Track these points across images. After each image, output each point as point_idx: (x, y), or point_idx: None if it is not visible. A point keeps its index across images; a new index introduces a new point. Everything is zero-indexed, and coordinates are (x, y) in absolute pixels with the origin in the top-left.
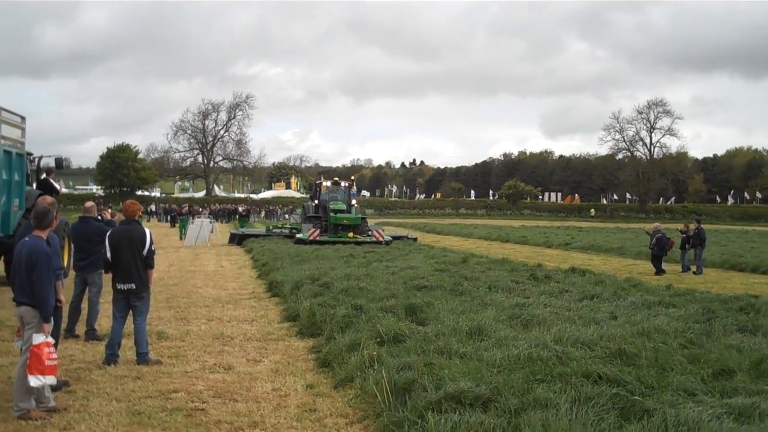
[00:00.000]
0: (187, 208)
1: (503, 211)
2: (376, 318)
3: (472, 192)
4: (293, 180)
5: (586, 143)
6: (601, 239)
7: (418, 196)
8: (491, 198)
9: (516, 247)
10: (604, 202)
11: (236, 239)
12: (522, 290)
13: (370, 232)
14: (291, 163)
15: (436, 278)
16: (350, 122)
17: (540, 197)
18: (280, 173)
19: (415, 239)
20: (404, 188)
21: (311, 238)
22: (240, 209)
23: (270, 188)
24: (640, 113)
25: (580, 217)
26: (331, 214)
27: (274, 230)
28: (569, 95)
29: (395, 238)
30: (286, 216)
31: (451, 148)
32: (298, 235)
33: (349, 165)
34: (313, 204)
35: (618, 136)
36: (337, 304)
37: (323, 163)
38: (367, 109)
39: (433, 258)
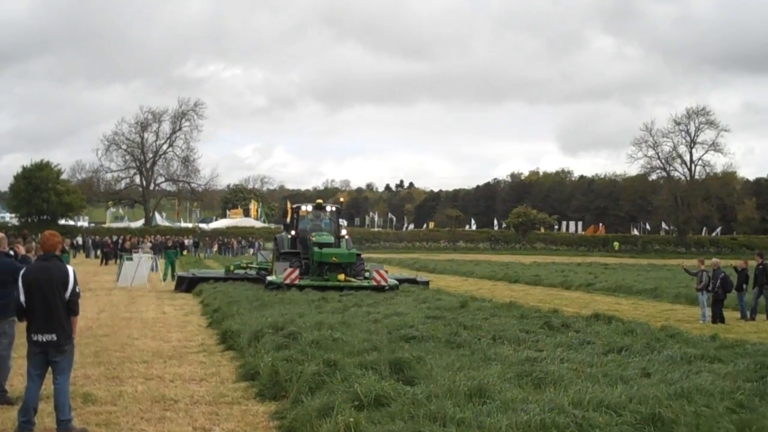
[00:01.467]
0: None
1: (511, 245)
2: (354, 376)
3: (473, 221)
4: (253, 206)
5: (612, 161)
6: (631, 279)
7: (406, 225)
8: (496, 228)
9: (527, 288)
10: (635, 233)
11: (184, 284)
12: (534, 342)
13: (367, 274)
14: (250, 186)
15: (429, 327)
16: (323, 135)
17: (556, 227)
18: (236, 198)
19: (427, 283)
20: (389, 216)
21: (288, 281)
22: (187, 242)
23: (224, 216)
24: (678, 124)
25: (605, 251)
26: (315, 249)
27: (237, 272)
28: (592, 103)
29: (402, 281)
30: (251, 251)
31: (447, 166)
32: (269, 278)
33: (322, 188)
34: (289, 236)
35: (651, 153)
36: (306, 359)
37: (290, 185)
38: (345, 119)
39: (425, 302)
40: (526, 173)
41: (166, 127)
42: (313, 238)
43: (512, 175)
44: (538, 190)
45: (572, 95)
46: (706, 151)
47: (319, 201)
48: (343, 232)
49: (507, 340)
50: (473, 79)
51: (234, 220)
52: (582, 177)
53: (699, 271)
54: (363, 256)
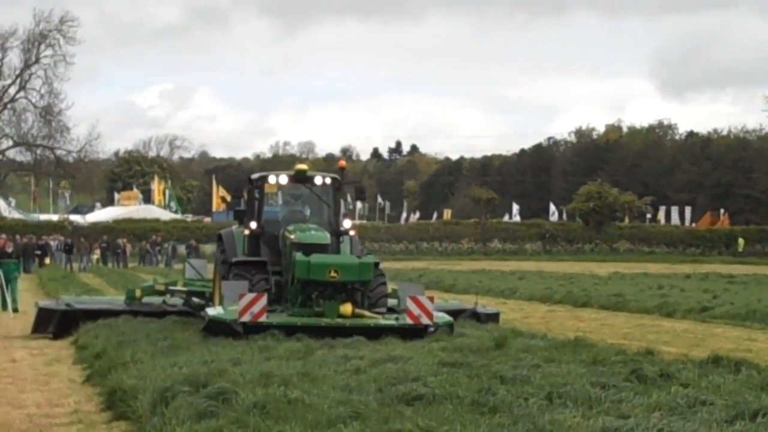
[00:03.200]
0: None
1: (577, 245)
2: None
3: (515, 207)
4: (156, 186)
5: (742, 108)
6: None
7: (406, 215)
8: (554, 219)
9: (603, 316)
10: None
11: (52, 323)
12: (615, 403)
13: (394, 302)
14: (153, 153)
15: (444, 380)
16: (274, 71)
17: (650, 216)
18: (130, 173)
19: (496, 316)
20: (378, 201)
21: (247, 318)
22: (53, 243)
23: (111, 202)
24: None
25: (730, 254)
26: (298, 255)
27: (148, 300)
28: (709, 12)
29: (454, 313)
30: (159, 261)
31: (473, 119)
32: (211, 312)
33: (269, 155)
34: (247, 232)
35: None
36: None
37: (218, 152)
38: (308, 43)
39: (438, 340)
40: (601, 129)
41: (13, 59)
42: (292, 236)
43: (579, 133)
44: (622, 156)
45: (676, 1)
46: None
47: (302, 167)
48: (347, 224)
49: (571, 400)
50: None
51: (127, 208)
52: (693, 134)
53: None
54: None
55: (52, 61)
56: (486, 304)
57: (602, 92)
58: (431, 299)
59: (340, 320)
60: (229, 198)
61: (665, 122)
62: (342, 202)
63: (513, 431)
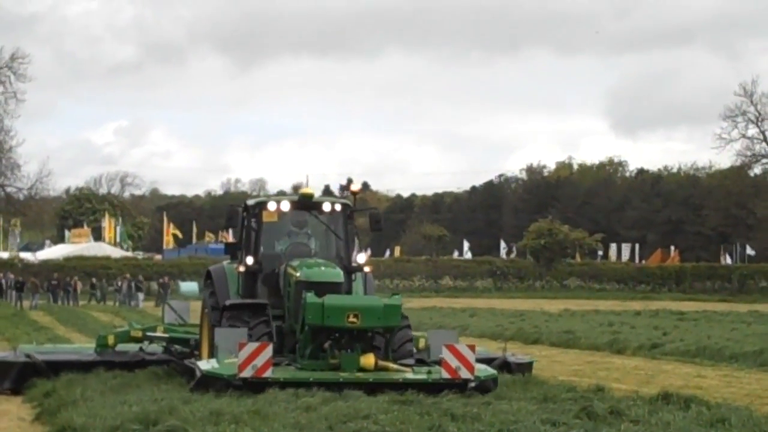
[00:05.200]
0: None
1: (528, 282)
2: None
3: (466, 244)
4: (107, 223)
5: (692, 146)
6: (722, 336)
7: (356, 252)
8: (504, 256)
9: (553, 353)
10: (728, 261)
11: (10, 378)
12: None
13: (421, 352)
14: (103, 190)
15: (395, 417)
16: (229, 108)
17: (601, 254)
18: (80, 211)
19: (531, 364)
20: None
21: (248, 374)
22: (4, 280)
23: (62, 240)
24: None
25: (680, 292)
26: (308, 296)
27: (121, 348)
28: (661, 51)
29: (481, 362)
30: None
31: (426, 157)
32: (204, 366)
33: (221, 192)
34: (241, 269)
35: (753, 131)
36: None
37: (172, 189)
38: (263, 81)
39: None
40: (552, 166)
41: None
42: (297, 273)
43: (530, 170)
44: (573, 193)
45: (630, 40)
46: None
47: (308, 191)
48: (360, 259)
49: None
50: (471, 16)
51: (77, 245)
52: (643, 171)
53: None
54: None
55: (2, 98)
56: (515, 352)
57: (556, 130)
58: (472, 348)
59: (361, 374)
60: (180, 235)
61: (615, 159)
62: (353, 229)
63: None
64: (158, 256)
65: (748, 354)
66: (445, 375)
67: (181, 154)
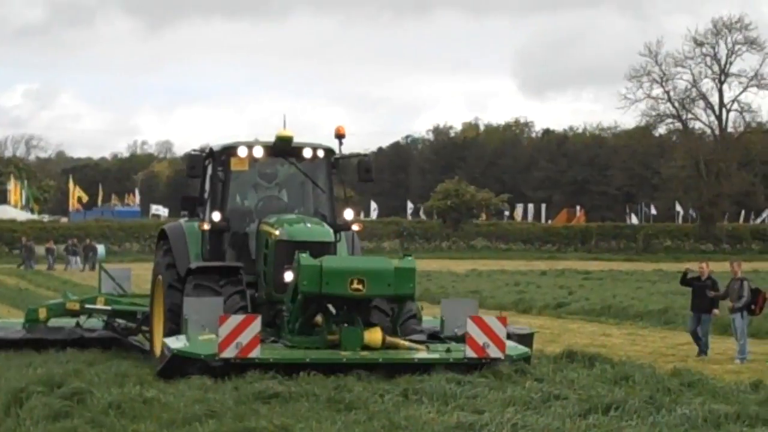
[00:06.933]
0: None
1: (434, 242)
2: None
3: (373, 205)
4: (12, 186)
5: (599, 106)
6: (627, 295)
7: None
8: (410, 217)
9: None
10: (633, 221)
11: None
12: (470, 398)
13: (440, 324)
14: (9, 153)
15: (300, 378)
16: (139, 70)
17: (507, 214)
18: None
19: (531, 336)
20: None
21: (231, 353)
22: None
23: None
24: (701, 45)
25: (586, 251)
26: (302, 258)
27: (55, 324)
28: (571, 13)
29: (517, 337)
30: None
31: (337, 117)
32: (173, 345)
33: (127, 154)
34: (206, 226)
35: (658, 91)
36: None
37: (80, 152)
38: (173, 43)
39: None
40: (459, 127)
41: None
42: (276, 232)
43: (438, 131)
44: (480, 154)
45: (539, 1)
46: (745, 88)
47: (286, 133)
48: (348, 215)
49: (427, 396)
50: None
51: None
52: (549, 132)
53: (734, 280)
54: None
55: None
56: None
57: (465, 91)
58: (503, 321)
59: (366, 353)
60: (85, 198)
61: (522, 120)
62: (336, 180)
63: (368, 427)
64: (64, 219)
65: (653, 312)
66: (470, 353)
67: (91, 117)
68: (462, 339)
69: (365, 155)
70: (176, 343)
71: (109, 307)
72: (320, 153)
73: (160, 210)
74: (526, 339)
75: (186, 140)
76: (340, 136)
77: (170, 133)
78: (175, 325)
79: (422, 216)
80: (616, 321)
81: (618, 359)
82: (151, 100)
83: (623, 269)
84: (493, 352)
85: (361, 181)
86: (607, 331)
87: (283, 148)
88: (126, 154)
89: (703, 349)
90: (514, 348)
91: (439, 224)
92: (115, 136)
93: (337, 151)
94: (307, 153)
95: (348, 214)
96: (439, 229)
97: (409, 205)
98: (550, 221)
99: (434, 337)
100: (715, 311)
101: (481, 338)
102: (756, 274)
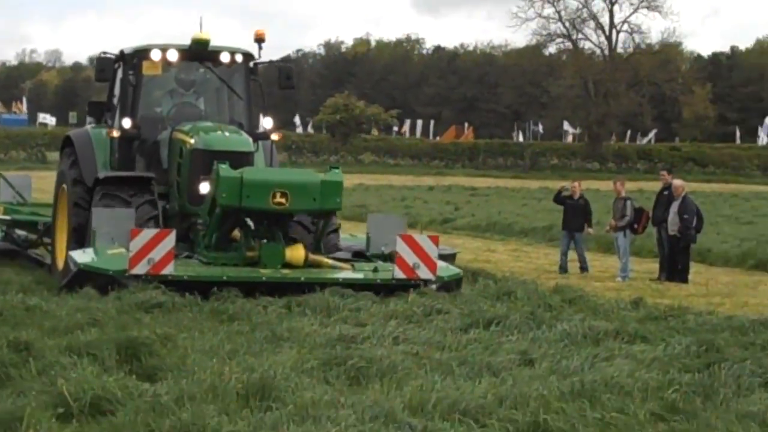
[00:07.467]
0: None
1: (323, 156)
2: (59, 367)
3: (262, 119)
4: None
5: (493, 24)
6: (512, 212)
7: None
8: (300, 131)
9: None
10: (520, 139)
11: None
12: (352, 311)
13: (366, 248)
14: None
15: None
16: None
17: (396, 129)
18: None
19: (454, 255)
20: None
21: (142, 269)
22: None
23: None
24: None
25: (473, 168)
26: (222, 168)
27: None
28: None
29: (443, 256)
30: None
31: (229, 30)
32: (79, 259)
33: (15, 63)
34: (115, 134)
35: (549, 11)
36: None
37: None
38: None
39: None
40: (349, 42)
41: None
42: (191, 140)
43: (328, 46)
44: (370, 69)
45: None
46: (636, 10)
47: (203, 35)
48: (267, 124)
49: (310, 308)
50: None
51: None
52: (439, 49)
53: (618, 200)
54: None
55: None
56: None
57: (357, 5)
58: (434, 240)
59: (288, 272)
60: None
61: (413, 36)
62: (256, 87)
63: (251, 338)
64: None
65: (538, 229)
66: (399, 274)
67: None
68: (389, 258)
69: (286, 62)
70: (83, 257)
71: (8, 217)
72: (239, 58)
73: (48, 119)
74: (448, 260)
75: (77, 50)
76: (259, 40)
77: (61, 42)
78: (80, 246)
79: (311, 130)
80: (501, 237)
81: (501, 275)
82: (41, 7)
83: (510, 186)
84: (424, 273)
85: (282, 88)
86: (491, 247)
87: (199, 52)
88: (14, 62)
89: (583, 266)
90: (445, 269)
91: (327, 138)
92: (3, 45)
93: (256, 56)
94: (225, 57)
95: (267, 122)
96: (328, 144)
97: (298, 120)
98: (438, 137)
99: (359, 255)
100: (589, 230)
101: (411, 258)
102: (641, 194)
